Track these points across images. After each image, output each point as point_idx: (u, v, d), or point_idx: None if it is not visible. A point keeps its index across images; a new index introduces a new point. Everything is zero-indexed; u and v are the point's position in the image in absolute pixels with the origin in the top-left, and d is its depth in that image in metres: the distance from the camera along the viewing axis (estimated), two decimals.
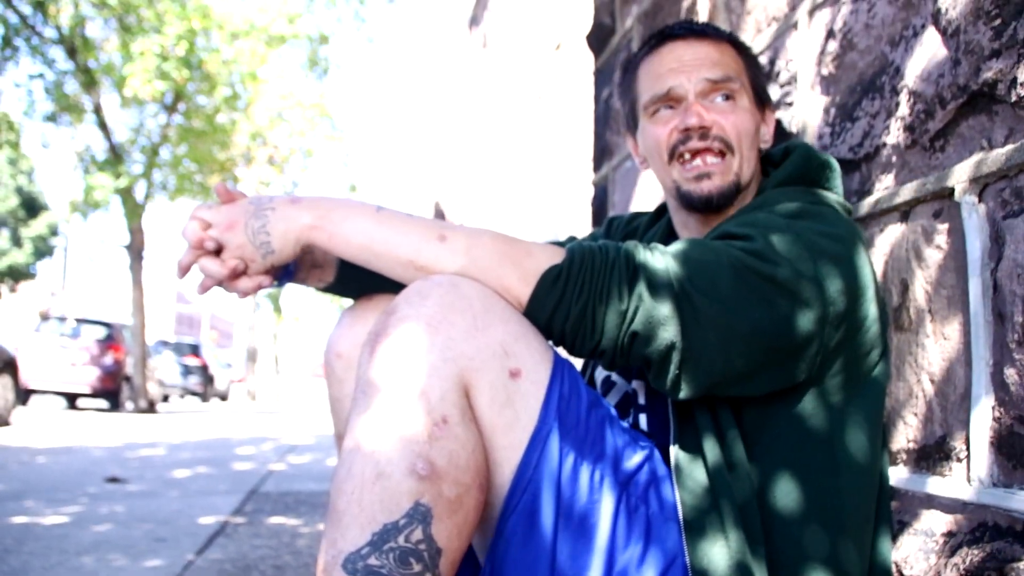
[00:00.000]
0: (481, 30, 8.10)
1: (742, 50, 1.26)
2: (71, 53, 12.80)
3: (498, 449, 0.97)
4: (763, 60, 1.86)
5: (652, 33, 1.29)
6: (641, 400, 1.21)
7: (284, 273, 1.19)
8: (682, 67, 1.20)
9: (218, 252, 1.10)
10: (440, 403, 0.91)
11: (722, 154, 1.18)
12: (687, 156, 1.20)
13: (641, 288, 0.98)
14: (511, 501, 0.97)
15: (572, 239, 1.40)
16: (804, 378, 1.04)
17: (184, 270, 1.11)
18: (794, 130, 1.71)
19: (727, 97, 1.20)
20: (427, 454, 0.89)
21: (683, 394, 1.01)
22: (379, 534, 0.87)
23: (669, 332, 0.97)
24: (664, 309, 0.97)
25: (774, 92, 1.80)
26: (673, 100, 1.21)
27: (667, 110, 1.22)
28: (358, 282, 1.24)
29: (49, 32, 12.73)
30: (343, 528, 0.88)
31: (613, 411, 1.09)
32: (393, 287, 1.08)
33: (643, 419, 1.20)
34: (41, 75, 13.00)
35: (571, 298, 0.98)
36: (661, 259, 1.00)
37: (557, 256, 1.01)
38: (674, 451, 1.05)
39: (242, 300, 1.15)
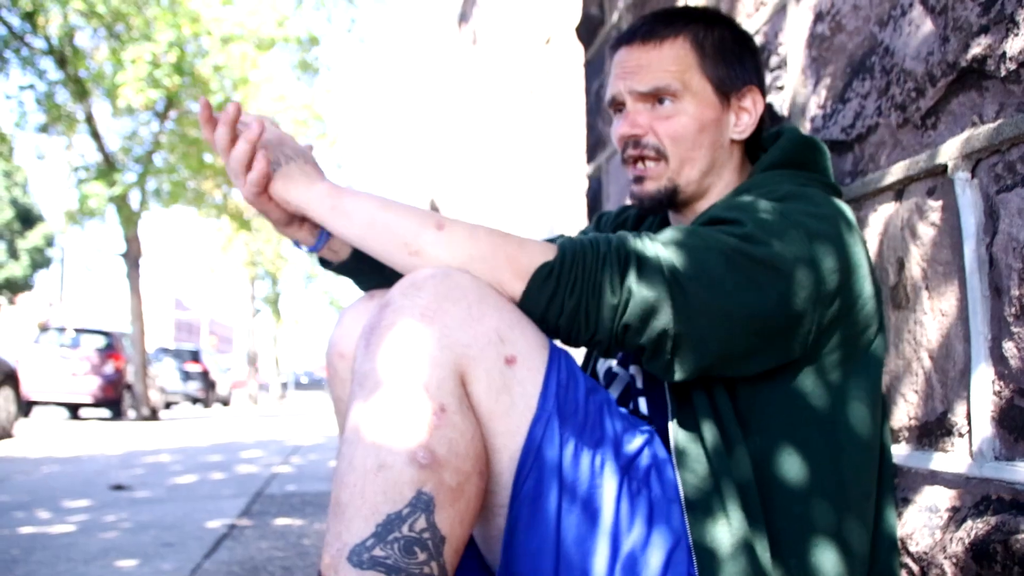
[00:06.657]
0: (471, 26, 8.09)
1: (700, 42, 1.22)
2: (61, 63, 12.76)
3: (497, 435, 0.97)
4: None
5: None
6: (639, 384, 1.22)
7: (321, 235, 1.23)
8: (623, 74, 1.23)
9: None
10: (438, 392, 0.92)
11: (657, 159, 1.21)
12: (630, 161, 1.24)
13: (632, 280, 0.99)
14: (515, 488, 0.97)
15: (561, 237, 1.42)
16: (798, 356, 1.04)
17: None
18: (785, 113, 1.71)
19: (671, 99, 1.20)
20: (427, 443, 0.90)
21: (677, 376, 1.02)
22: (383, 525, 0.87)
23: (661, 320, 0.98)
24: (655, 299, 0.98)
25: (765, 77, 1.80)
26: (620, 106, 1.24)
27: (619, 114, 1.26)
28: (370, 263, 1.25)
29: (38, 43, 12.69)
30: (347, 520, 0.88)
31: (611, 397, 1.09)
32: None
33: (642, 403, 1.21)
34: (32, 86, 12.95)
35: (564, 294, 1.00)
36: (652, 248, 1.01)
37: (549, 253, 1.02)
38: (673, 433, 1.06)
39: (249, 198, 1.15)
